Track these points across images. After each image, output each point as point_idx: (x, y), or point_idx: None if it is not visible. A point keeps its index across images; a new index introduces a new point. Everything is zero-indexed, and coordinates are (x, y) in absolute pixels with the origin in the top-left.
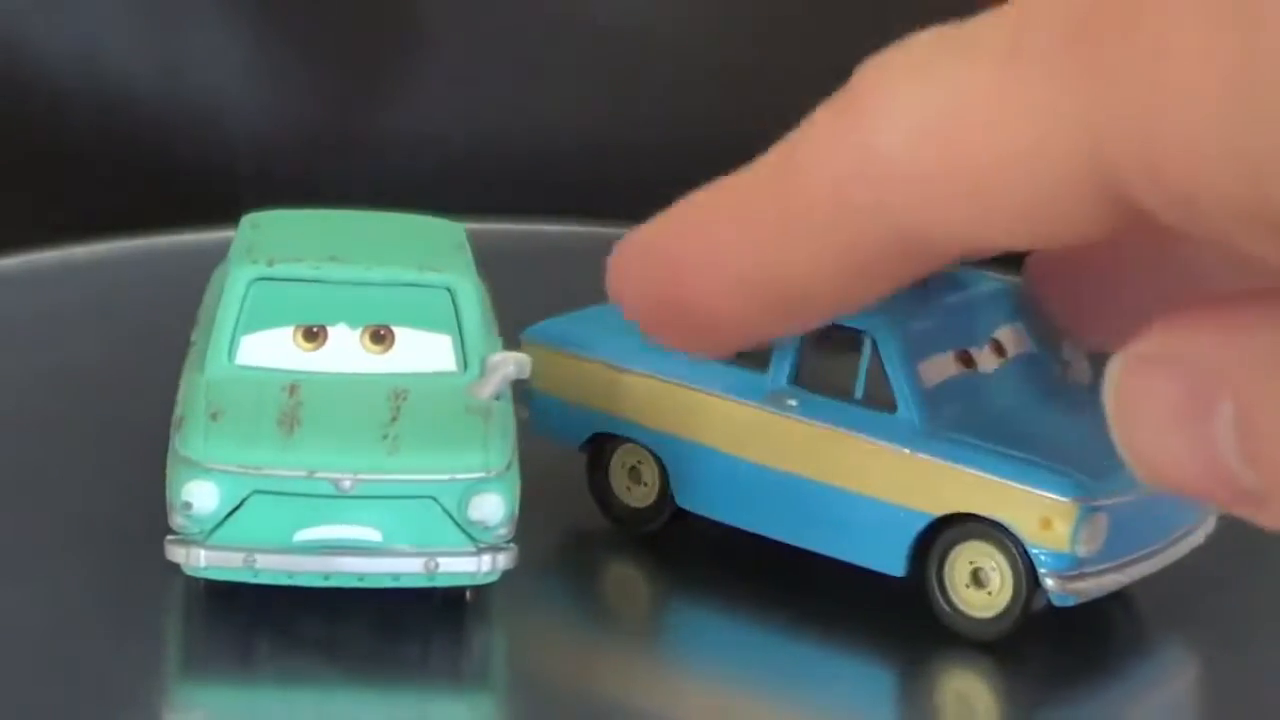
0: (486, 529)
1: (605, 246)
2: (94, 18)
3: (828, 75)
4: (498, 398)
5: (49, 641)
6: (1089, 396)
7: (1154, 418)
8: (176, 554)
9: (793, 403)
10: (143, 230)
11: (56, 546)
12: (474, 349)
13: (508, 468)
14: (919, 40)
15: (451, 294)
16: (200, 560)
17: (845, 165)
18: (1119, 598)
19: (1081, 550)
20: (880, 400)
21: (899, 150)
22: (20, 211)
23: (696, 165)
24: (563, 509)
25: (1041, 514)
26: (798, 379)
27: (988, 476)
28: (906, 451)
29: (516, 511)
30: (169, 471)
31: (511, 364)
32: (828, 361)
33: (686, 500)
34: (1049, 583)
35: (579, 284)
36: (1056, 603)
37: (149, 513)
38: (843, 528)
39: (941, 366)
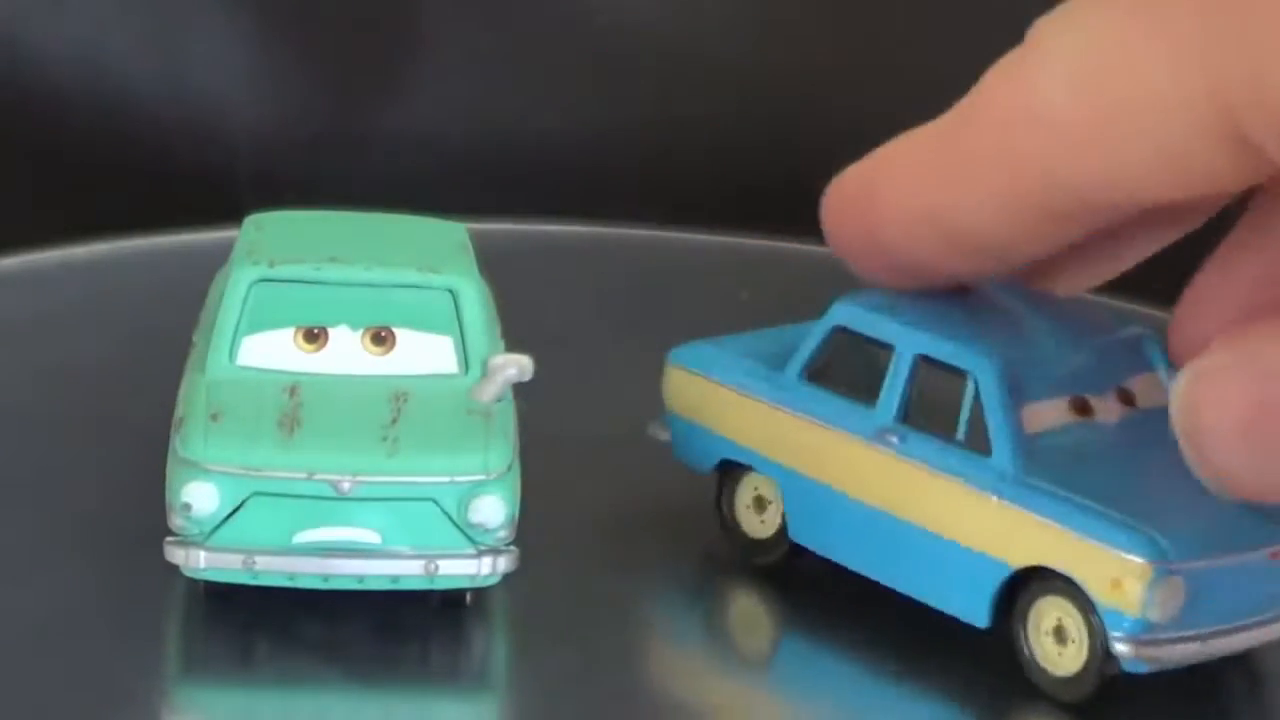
0: (486, 531)
1: (605, 246)
2: (94, 18)
3: (827, 75)
4: (499, 400)
5: (49, 641)
6: None
7: (1225, 427)
8: (176, 555)
9: (895, 440)
10: (143, 230)
11: (56, 546)
12: (475, 351)
13: (508, 470)
14: None
15: (453, 295)
16: (200, 562)
17: (1011, 111)
18: (1240, 661)
19: (1154, 615)
20: (978, 443)
21: (1058, 97)
22: (20, 211)
23: (696, 165)
24: (566, 512)
25: (1113, 573)
26: (906, 416)
27: (1063, 529)
28: (992, 498)
29: (517, 514)
30: (169, 472)
31: (513, 366)
32: (934, 399)
33: (797, 533)
34: (1119, 647)
35: (579, 284)
36: (1128, 669)
37: (149, 513)
38: (932, 573)
39: (1051, 412)
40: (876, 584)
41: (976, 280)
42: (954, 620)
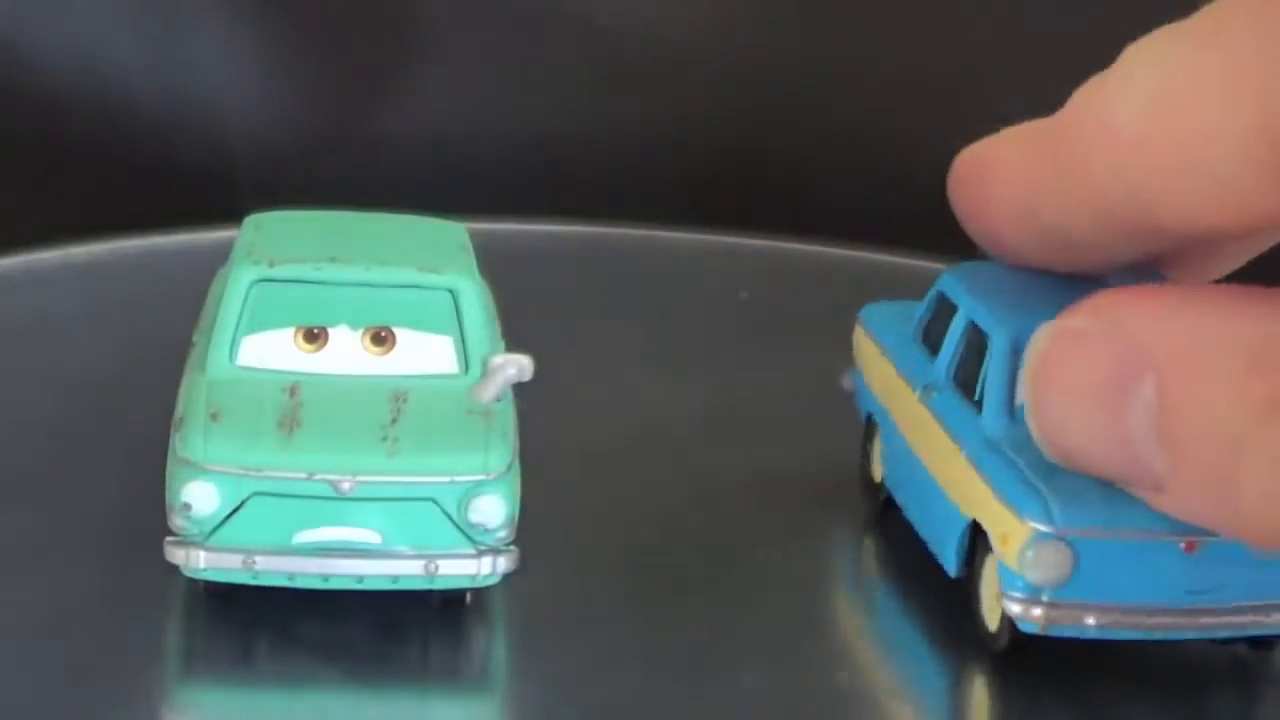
0: (486, 531)
1: (605, 246)
2: (94, 18)
3: (828, 75)
4: (499, 400)
5: (49, 641)
6: None
7: (1073, 390)
8: (176, 555)
9: (934, 394)
10: (143, 230)
11: (57, 546)
12: (475, 351)
13: (508, 470)
14: (1166, 27)
15: (453, 295)
16: (200, 562)
17: (1092, 127)
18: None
19: (1033, 576)
20: (979, 404)
21: (1131, 120)
22: (20, 211)
23: (697, 165)
24: (566, 512)
25: (1004, 531)
26: (955, 374)
27: (987, 487)
28: (963, 454)
29: (517, 514)
30: (169, 472)
31: (513, 366)
32: (971, 362)
33: (886, 479)
34: (1006, 604)
35: (579, 284)
36: (1022, 628)
37: (149, 514)
38: (935, 523)
39: None
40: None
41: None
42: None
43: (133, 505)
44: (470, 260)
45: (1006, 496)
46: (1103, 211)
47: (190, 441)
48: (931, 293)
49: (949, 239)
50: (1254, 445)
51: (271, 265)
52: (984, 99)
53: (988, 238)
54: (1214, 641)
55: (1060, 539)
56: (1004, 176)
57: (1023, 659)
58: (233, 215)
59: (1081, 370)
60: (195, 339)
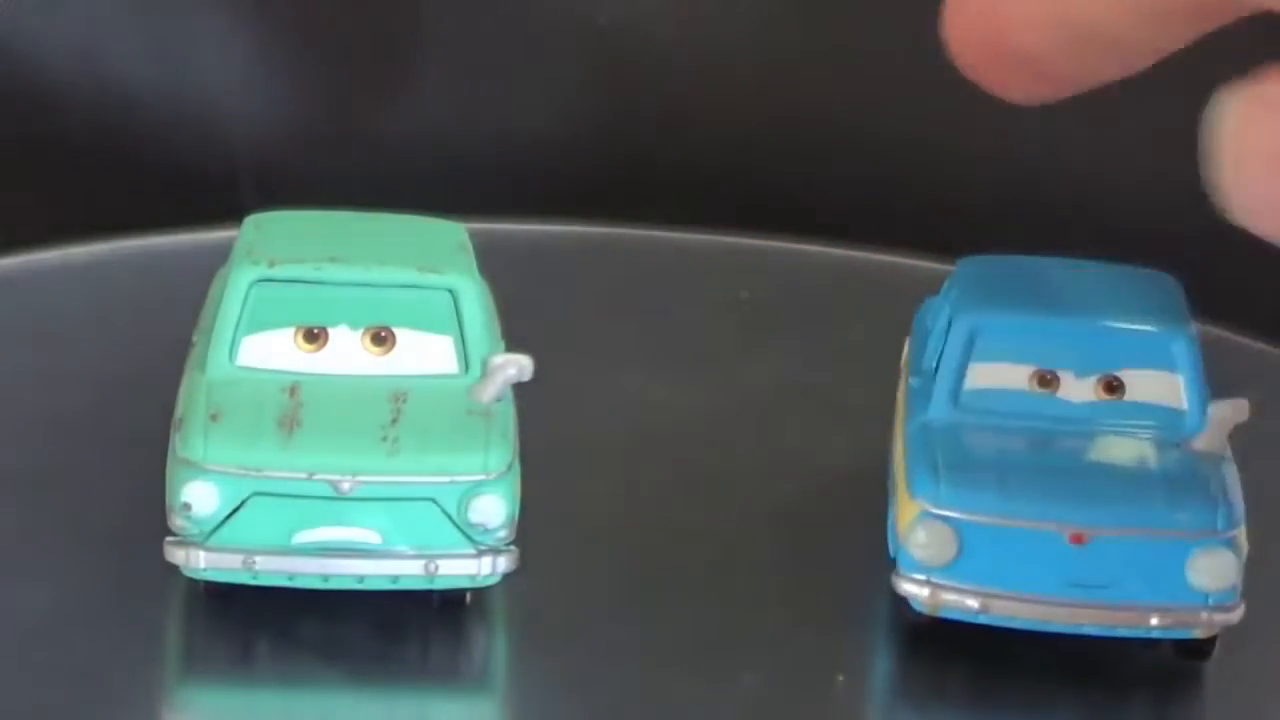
0: (486, 531)
1: (605, 246)
2: (94, 18)
3: (827, 75)
4: (499, 400)
5: (49, 641)
6: (1159, 469)
7: (1265, 153)
8: (176, 555)
9: (911, 378)
10: (143, 230)
11: (56, 546)
12: (475, 350)
13: (508, 469)
14: None
15: (453, 295)
16: (200, 562)
17: None
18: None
19: (919, 554)
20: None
21: None
22: (20, 211)
23: (696, 165)
24: (566, 512)
25: (900, 508)
26: (935, 363)
27: (903, 465)
28: (904, 437)
29: (516, 513)
30: (169, 472)
31: (513, 366)
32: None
33: None
34: (898, 581)
35: (579, 284)
36: (915, 605)
37: (149, 513)
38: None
39: (1006, 375)
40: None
41: (1097, 83)
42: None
43: (133, 505)
44: (470, 260)
45: (910, 476)
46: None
47: (190, 441)
48: (947, 283)
49: (949, 239)
50: None
51: (271, 265)
52: (984, 99)
53: (999, 68)
54: (1143, 643)
55: (944, 519)
56: None
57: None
58: (233, 215)
59: (1272, 134)
60: (195, 339)
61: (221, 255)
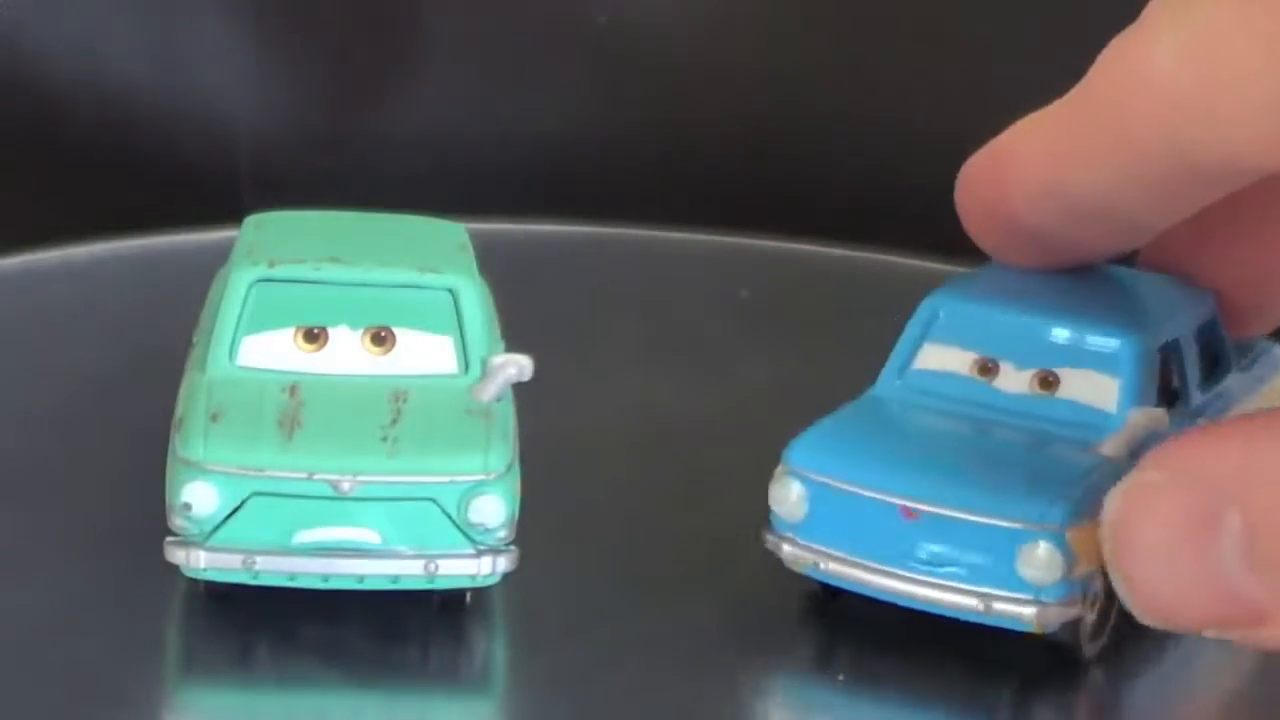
0: (486, 531)
1: (605, 246)
2: (94, 17)
3: (827, 74)
4: (499, 400)
5: (49, 641)
6: (1030, 460)
7: (1158, 542)
8: (176, 556)
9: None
10: (143, 230)
11: (56, 546)
12: (475, 351)
13: (508, 470)
14: None
15: (453, 295)
16: (200, 562)
17: (1125, 78)
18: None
19: (775, 507)
20: None
21: (1169, 66)
22: (20, 211)
23: (697, 165)
24: (566, 512)
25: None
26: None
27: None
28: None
29: (516, 513)
30: (168, 473)
31: (513, 366)
32: None
33: None
34: (765, 535)
35: (579, 284)
36: (786, 563)
37: (149, 513)
38: None
39: (950, 359)
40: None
41: (1101, 256)
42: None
43: (133, 505)
44: (470, 260)
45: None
46: (1136, 164)
47: (190, 442)
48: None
49: (949, 239)
50: None
51: (271, 265)
52: (985, 99)
53: (1004, 236)
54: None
55: (794, 477)
56: (1025, 155)
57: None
58: (233, 215)
59: (1162, 522)
60: (195, 339)
61: (221, 255)
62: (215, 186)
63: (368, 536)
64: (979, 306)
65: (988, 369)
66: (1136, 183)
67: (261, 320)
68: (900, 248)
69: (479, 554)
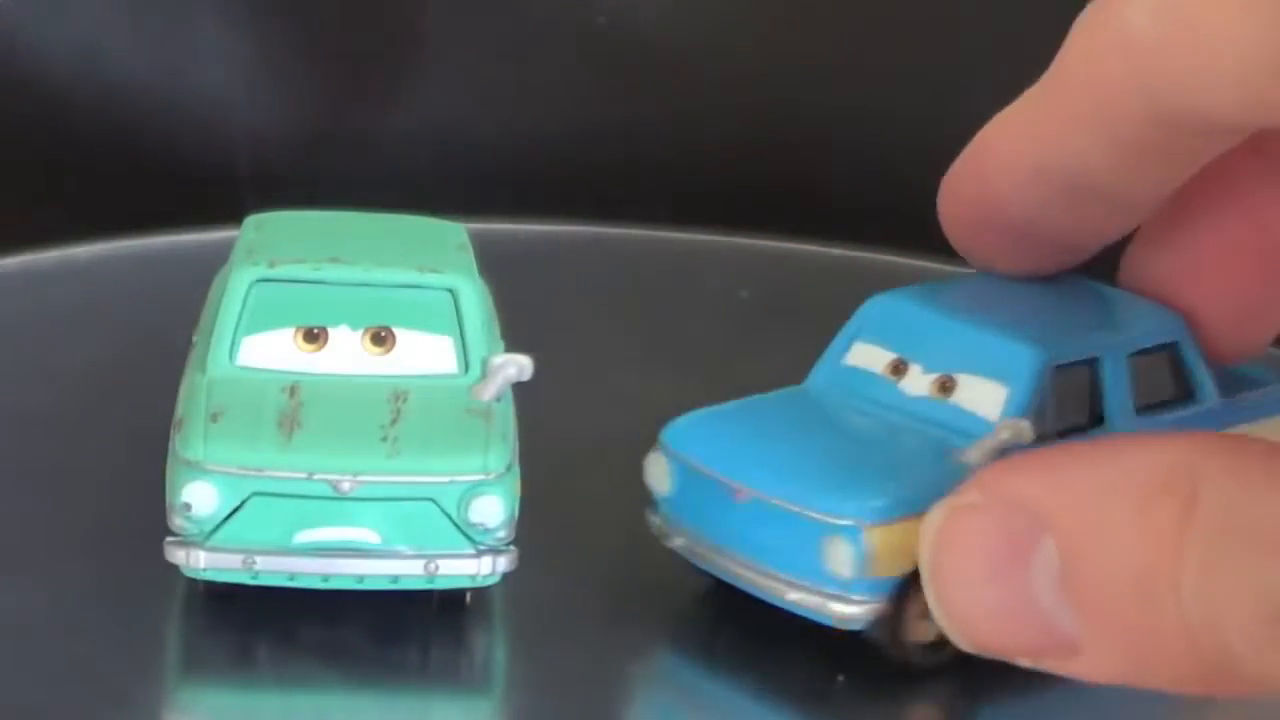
0: (486, 531)
1: (605, 246)
2: (94, 17)
3: (827, 75)
4: (499, 400)
5: (49, 641)
6: (916, 468)
7: (971, 566)
8: (176, 555)
9: None
10: (143, 230)
11: (56, 546)
12: (475, 351)
13: (508, 470)
14: None
15: (453, 295)
16: (200, 562)
17: (1102, 41)
18: None
19: (646, 479)
20: None
21: (1144, 24)
22: (20, 211)
23: (696, 165)
24: (566, 512)
25: None
26: None
27: None
28: None
29: (516, 513)
30: (168, 473)
31: (513, 366)
32: None
33: None
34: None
35: (579, 284)
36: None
37: (149, 513)
38: None
39: (872, 357)
40: None
41: (1090, 247)
42: None
43: (133, 505)
44: (470, 260)
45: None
46: (1116, 128)
47: (190, 442)
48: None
49: (948, 239)
50: (1162, 577)
51: (271, 265)
52: (985, 99)
53: (986, 231)
54: None
55: (663, 453)
56: (1006, 140)
57: None
58: (233, 215)
59: (978, 544)
60: (195, 339)
61: (221, 255)
62: (215, 186)
63: (367, 536)
64: (906, 307)
65: (899, 369)
66: (1118, 148)
67: (261, 320)
68: (900, 248)
69: (479, 554)
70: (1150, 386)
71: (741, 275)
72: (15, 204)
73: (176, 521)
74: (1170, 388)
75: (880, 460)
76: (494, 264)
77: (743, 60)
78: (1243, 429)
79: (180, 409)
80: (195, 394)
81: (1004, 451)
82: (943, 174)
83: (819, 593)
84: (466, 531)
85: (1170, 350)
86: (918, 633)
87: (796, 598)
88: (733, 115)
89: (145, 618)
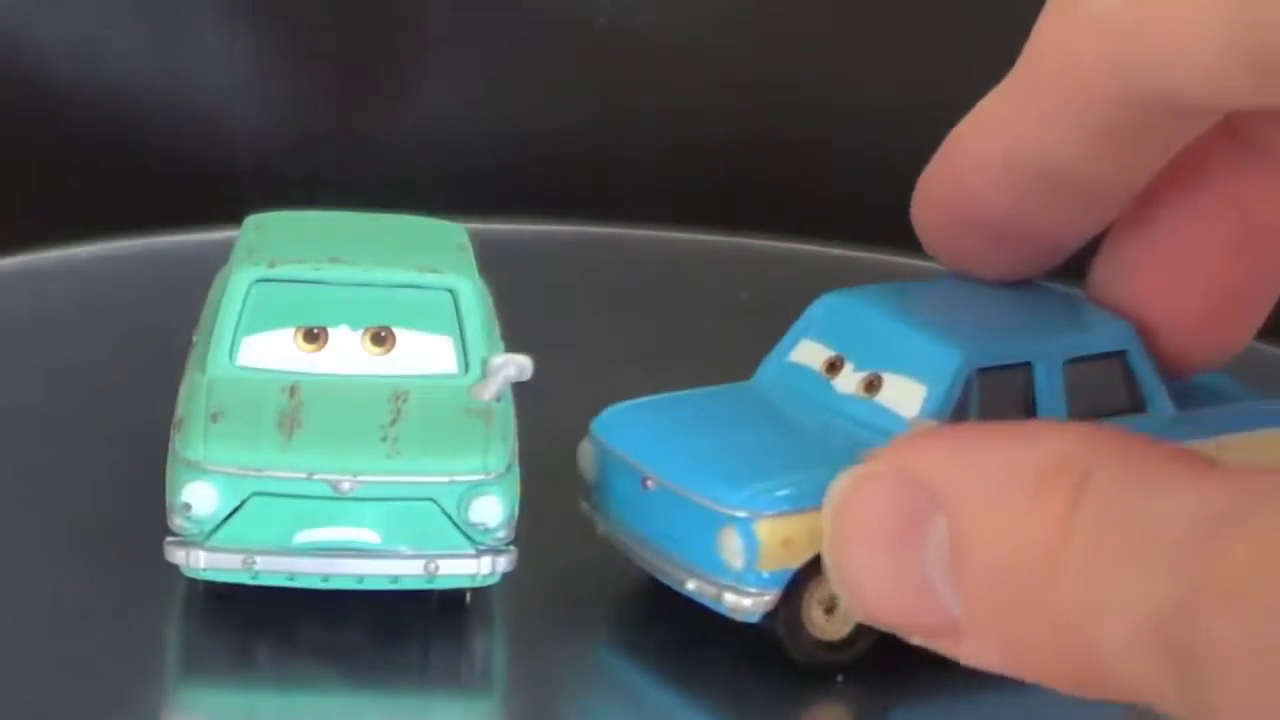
0: (486, 531)
1: (605, 246)
2: (95, 17)
3: (827, 75)
4: (499, 399)
5: (49, 641)
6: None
7: (868, 535)
8: (176, 555)
9: None
10: (143, 230)
11: (56, 546)
12: (475, 351)
13: (507, 470)
14: None
15: (453, 295)
16: (200, 562)
17: (1072, 25)
18: None
19: (579, 466)
20: None
21: (1116, 5)
22: (20, 211)
23: (697, 165)
24: (565, 512)
25: None
26: None
27: None
28: None
29: (516, 513)
30: (168, 473)
31: (513, 366)
32: None
33: None
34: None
35: (579, 284)
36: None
37: (149, 513)
38: None
39: (813, 354)
40: None
41: (1066, 246)
42: None
43: (133, 505)
44: (470, 260)
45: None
46: (1088, 112)
47: (190, 442)
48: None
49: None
50: (1041, 568)
51: (271, 265)
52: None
53: (960, 232)
54: None
55: (590, 440)
56: (979, 135)
57: None
58: (234, 215)
59: (876, 514)
60: (195, 339)
61: (221, 255)
62: (216, 186)
63: (367, 536)
64: (850, 306)
65: (835, 367)
66: (1090, 135)
67: (261, 320)
68: (900, 248)
69: (479, 554)
70: (1096, 395)
71: (741, 275)
72: (15, 203)
73: (176, 521)
74: (1119, 398)
75: (794, 456)
76: (494, 264)
77: (742, 60)
78: (1196, 444)
79: (180, 409)
80: (195, 394)
81: None
82: None
83: (715, 583)
84: (466, 531)
85: (1120, 359)
86: (818, 629)
87: (695, 586)
88: (733, 115)
89: (145, 618)
